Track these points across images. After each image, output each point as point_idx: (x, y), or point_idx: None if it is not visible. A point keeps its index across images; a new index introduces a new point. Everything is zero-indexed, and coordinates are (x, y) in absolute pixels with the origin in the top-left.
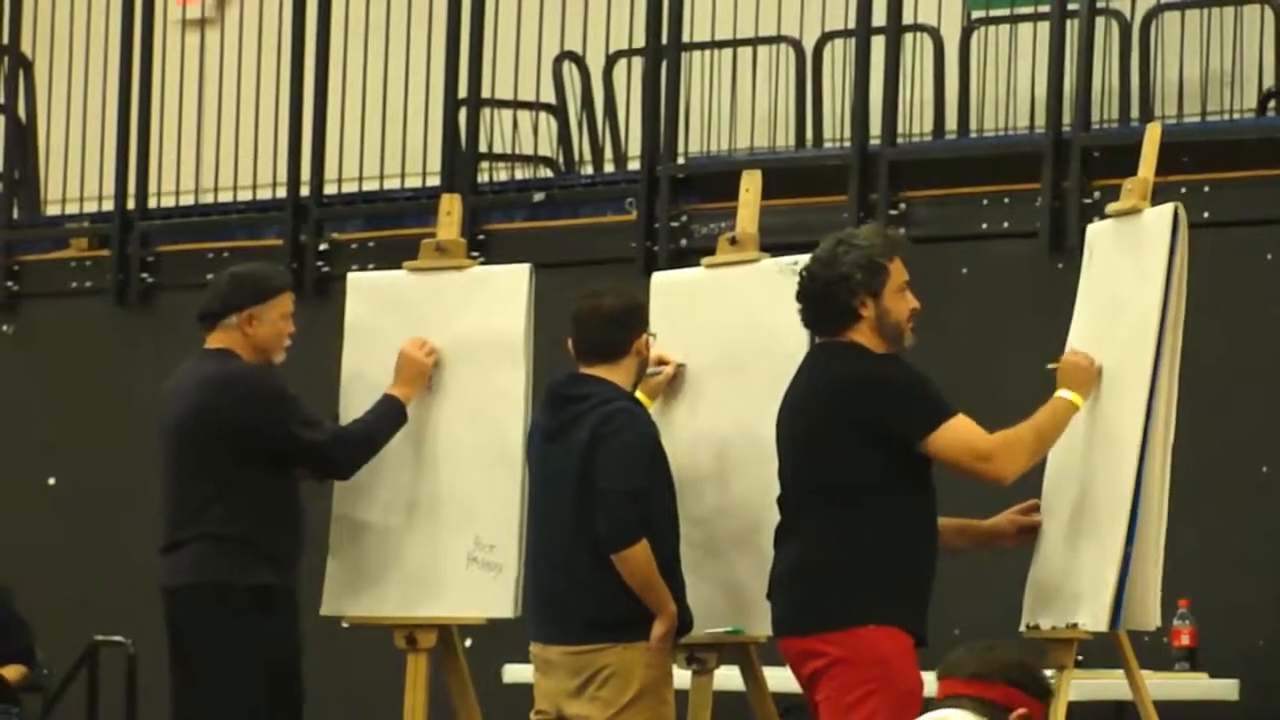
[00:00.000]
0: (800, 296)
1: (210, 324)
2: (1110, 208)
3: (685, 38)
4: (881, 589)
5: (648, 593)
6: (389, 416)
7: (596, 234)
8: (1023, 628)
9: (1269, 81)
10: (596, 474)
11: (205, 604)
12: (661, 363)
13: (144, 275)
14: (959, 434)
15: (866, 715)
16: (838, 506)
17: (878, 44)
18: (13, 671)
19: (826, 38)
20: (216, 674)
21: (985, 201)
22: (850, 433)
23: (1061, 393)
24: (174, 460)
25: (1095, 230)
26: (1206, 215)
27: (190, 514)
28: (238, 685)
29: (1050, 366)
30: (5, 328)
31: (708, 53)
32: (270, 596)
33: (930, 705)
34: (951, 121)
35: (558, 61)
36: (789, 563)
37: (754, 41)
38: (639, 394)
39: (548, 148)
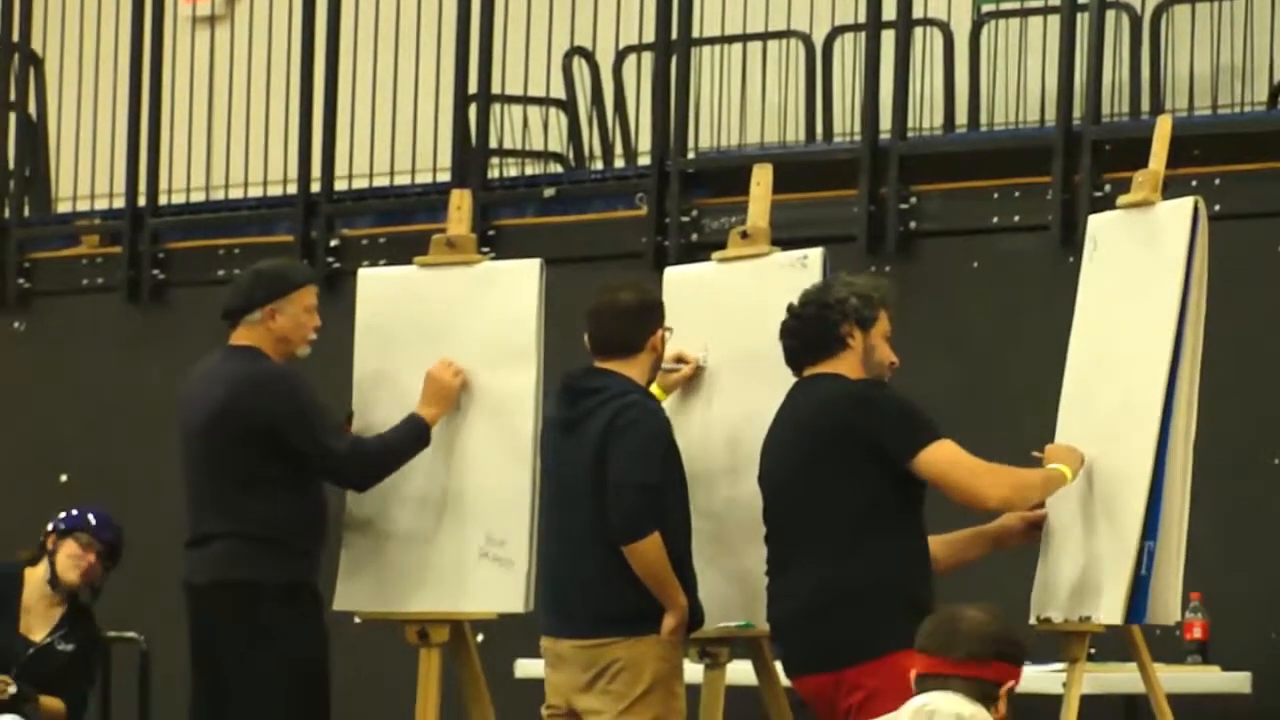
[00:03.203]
0: (785, 330)
1: (234, 320)
2: (1121, 200)
3: (695, 32)
4: (904, 612)
5: (659, 586)
6: (411, 436)
7: (607, 229)
8: (1033, 620)
9: None
10: (610, 467)
11: (234, 602)
12: (681, 360)
13: (155, 272)
14: (947, 452)
15: None
16: (851, 532)
17: (888, 38)
18: (53, 702)
19: (836, 32)
20: (246, 672)
21: (996, 195)
22: (850, 452)
23: (1053, 465)
24: (201, 456)
25: (1099, 221)
26: (1217, 208)
27: (218, 510)
28: (268, 683)
29: (1035, 454)
30: (17, 325)
31: (718, 47)
32: (298, 594)
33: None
34: (962, 115)
35: (567, 57)
36: (804, 597)
37: (764, 36)
38: (654, 388)
39: (558, 143)
